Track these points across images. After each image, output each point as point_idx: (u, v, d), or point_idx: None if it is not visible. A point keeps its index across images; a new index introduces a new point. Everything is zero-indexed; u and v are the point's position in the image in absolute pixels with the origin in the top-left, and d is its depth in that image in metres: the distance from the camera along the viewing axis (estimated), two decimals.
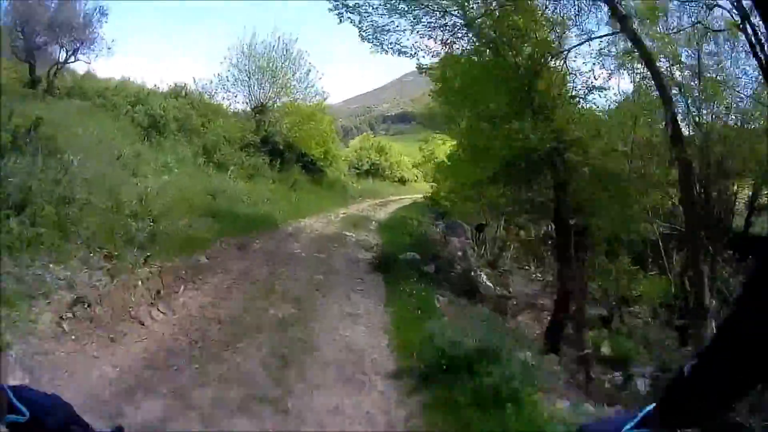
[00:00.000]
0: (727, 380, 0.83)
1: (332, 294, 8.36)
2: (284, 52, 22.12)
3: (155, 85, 19.18)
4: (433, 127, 30.75)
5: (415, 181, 45.54)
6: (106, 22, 17.58)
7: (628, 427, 0.92)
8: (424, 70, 13.97)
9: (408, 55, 13.31)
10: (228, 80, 22.04)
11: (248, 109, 22.47)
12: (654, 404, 0.93)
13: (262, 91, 22.17)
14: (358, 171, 35.70)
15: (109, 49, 18.08)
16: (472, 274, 11.66)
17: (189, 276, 8.12)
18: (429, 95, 17.63)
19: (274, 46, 22.13)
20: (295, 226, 14.65)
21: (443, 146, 55.50)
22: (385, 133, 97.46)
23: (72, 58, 18.14)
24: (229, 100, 22.16)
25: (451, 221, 18.34)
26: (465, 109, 13.18)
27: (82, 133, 12.48)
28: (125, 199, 9.77)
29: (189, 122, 17.95)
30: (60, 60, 17.73)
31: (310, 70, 22.65)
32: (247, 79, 22.13)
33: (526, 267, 21.24)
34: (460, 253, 15.88)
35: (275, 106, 22.46)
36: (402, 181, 42.23)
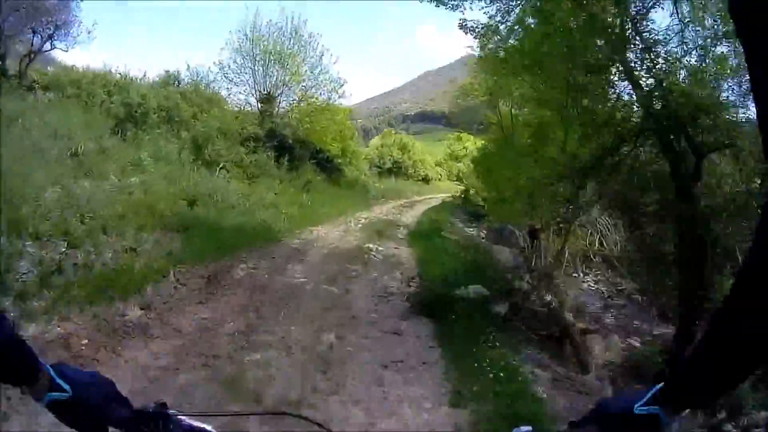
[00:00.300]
0: (723, 366, 0.81)
1: (350, 377, 4.46)
2: (293, 34, 18.27)
3: (142, 72, 15.54)
4: (461, 123, 27.27)
5: (439, 179, 42.09)
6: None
7: (639, 404, 0.87)
8: (471, 30, 10.14)
9: (449, 6, 9.62)
10: (229, 68, 18.21)
11: (253, 99, 18.64)
12: (662, 383, 0.88)
13: (268, 78, 18.32)
14: (379, 170, 31.77)
15: (89, 33, 14.87)
16: (559, 308, 7.70)
17: (93, 350, 4.33)
18: (475, 62, 13.85)
19: (281, 28, 18.30)
20: (304, 238, 10.85)
21: (473, 144, 52.21)
22: (405, 132, 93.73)
23: (47, 45, 15.05)
24: (230, 90, 18.34)
25: (501, 226, 14.28)
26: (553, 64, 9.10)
27: (29, 127, 9.55)
28: (37, 211, 6.20)
29: (177, 113, 14.35)
30: (34, 48, 14.47)
31: (323, 54, 18.79)
32: (252, 65, 18.29)
33: (574, 275, 17.30)
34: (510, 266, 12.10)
35: (283, 94, 18.54)
36: (426, 180, 38.28)
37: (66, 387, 0.83)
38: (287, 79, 18.26)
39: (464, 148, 32.51)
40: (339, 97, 18.87)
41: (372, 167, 30.35)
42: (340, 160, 21.15)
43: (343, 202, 18.01)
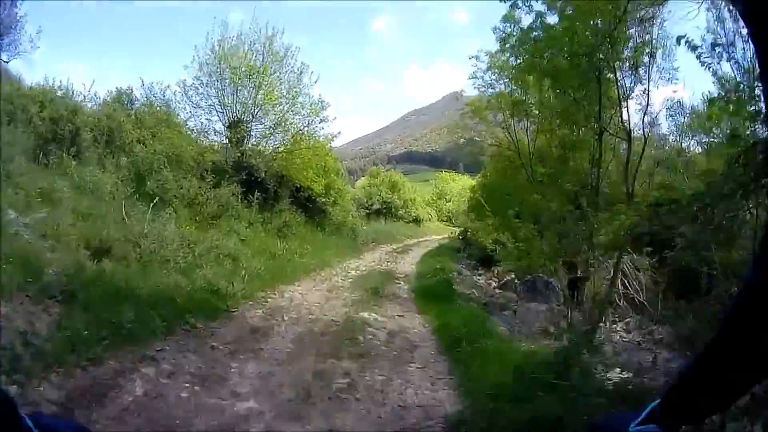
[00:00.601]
0: (724, 379, 0.78)
1: None
2: (267, 46, 15.09)
3: (86, 87, 12.24)
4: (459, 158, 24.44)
5: (429, 220, 39.27)
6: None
7: (634, 424, 0.82)
8: None
9: None
10: (192, 87, 14.86)
11: (220, 125, 15.23)
12: (658, 400, 0.84)
13: (238, 101, 15.00)
14: (368, 211, 28.47)
15: (31, 42, 12.03)
16: None
17: None
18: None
19: (252, 43, 15.11)
20: (270, 306, 7.48)
21: (455, 183, 49.60)
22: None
23: None
24: (193, 113, 14.93)
25: (532, 277, 10.88)
26: None
27: None
28: None
29: (120, 136, 11.19)
30: None
31: (302, 72, 15.58)
32: (218, 85, 14.97)
33: (600, 324, 13.96)
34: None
35: (255, 119, 15.14)
36: (417, 221, 35.09)
37: None
38: (260, 100, 14.99)
39: (477, 179, 29.76)
40: (321, 121, 15.57)
41: (359, 208, 27.00)
42: (324, 199, 17.75)
43: (328, 249, 14.71)
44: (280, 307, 7.39)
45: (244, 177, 13.18)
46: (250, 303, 7.27)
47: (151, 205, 8.47)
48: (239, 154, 13.98)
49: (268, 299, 7.78)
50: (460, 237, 25.21)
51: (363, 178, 42.04)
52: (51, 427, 0.78)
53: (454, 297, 9.81)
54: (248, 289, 7.67)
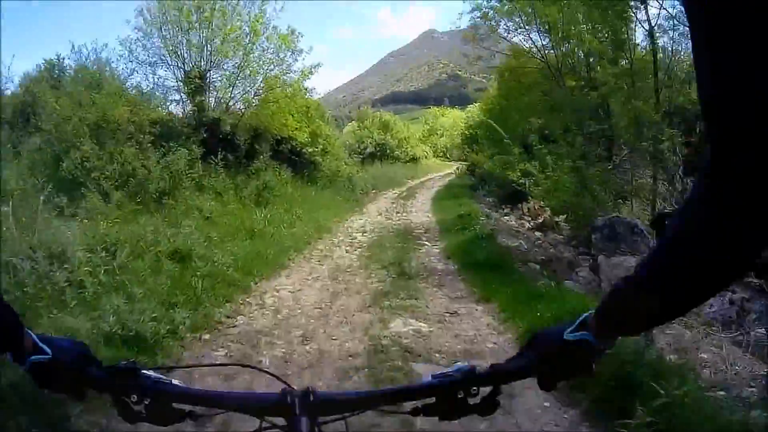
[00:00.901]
0: (659, 296, 0.70)
1: None
2: None
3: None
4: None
5: (426, 157, 36.62)
6: None
7: (568, 330, 0.81)
8: None
9: None
10: (139, 41, 11.40)
11: (176, 81, 11.80)
12: (593, 310, 0.81)
13: (191, 45, 11.56)
14: (361, 156, 25.11)
15: None
16: None
17: None
18: None
19: None
20: (239, 333, 4.40)
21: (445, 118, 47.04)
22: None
23: None
24: (135, 70, 11.46)
25: (611, 218, 7.63)
26: None
27: None
28: None
29: (37, 114, 8.21)
30: None
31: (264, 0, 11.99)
32: (168, 34, 11.48)
33: None
34: None
35: (216, 66, 11.73)
36: (414, 159, 32.00)
37: (47, 350, 0.78)
38: (216, 42, 11.51)
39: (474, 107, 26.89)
40: (292, 53, 12.14)
41: (352, 154, 23.58)
42: (311, 149, 14.45)
43: (324, 208, 11.57)
44: (255, 333, 4.34)
45: (205, 136, 9.95)
46: (206, 336, 4.20)
47: (41, 198, 5.26)
48: (195, 109, 10.70)
49: (238, 317, 4.73)
50: (469, 171, 22.32)
51: (351, 122, 38.51)
52: (52, 340, 0.79)
53: (508, 260, 6.84)
54: (204, 307, 4.61)
